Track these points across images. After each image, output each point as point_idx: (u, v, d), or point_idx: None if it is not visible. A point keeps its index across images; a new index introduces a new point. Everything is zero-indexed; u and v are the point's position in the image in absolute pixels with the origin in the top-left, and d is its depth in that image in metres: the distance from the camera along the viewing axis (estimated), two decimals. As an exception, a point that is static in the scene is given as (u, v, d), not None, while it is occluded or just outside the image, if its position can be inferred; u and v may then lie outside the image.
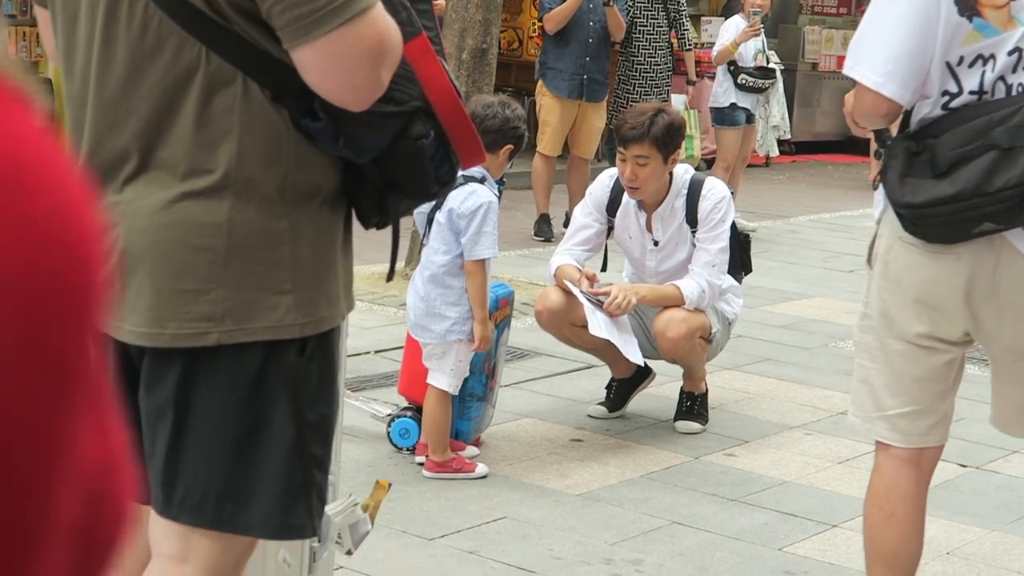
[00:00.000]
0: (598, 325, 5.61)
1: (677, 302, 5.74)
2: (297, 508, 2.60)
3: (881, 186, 3.57)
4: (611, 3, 10.49)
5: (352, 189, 2.62)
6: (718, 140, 11.47)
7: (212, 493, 2.57)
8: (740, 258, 6.15)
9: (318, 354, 2.60)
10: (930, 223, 3.43)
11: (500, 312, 5.50)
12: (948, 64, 3.41)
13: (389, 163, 2.57)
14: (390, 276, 3.06)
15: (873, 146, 14.90)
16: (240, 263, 2.50)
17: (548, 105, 10.63)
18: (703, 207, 5.85)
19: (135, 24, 2.48)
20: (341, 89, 2.44)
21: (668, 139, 5.73)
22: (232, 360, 2.53)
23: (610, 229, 6.06)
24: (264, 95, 2.48)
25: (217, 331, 2.50)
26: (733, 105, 11.15)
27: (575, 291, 5.68)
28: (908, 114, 3.49)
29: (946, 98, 3.44)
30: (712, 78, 12.04)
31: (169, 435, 2.56)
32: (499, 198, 5.32)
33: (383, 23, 2.43)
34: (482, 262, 5.15)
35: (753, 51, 11.14)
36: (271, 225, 2.51)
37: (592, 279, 5.77)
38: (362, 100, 2.46)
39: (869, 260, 3.66)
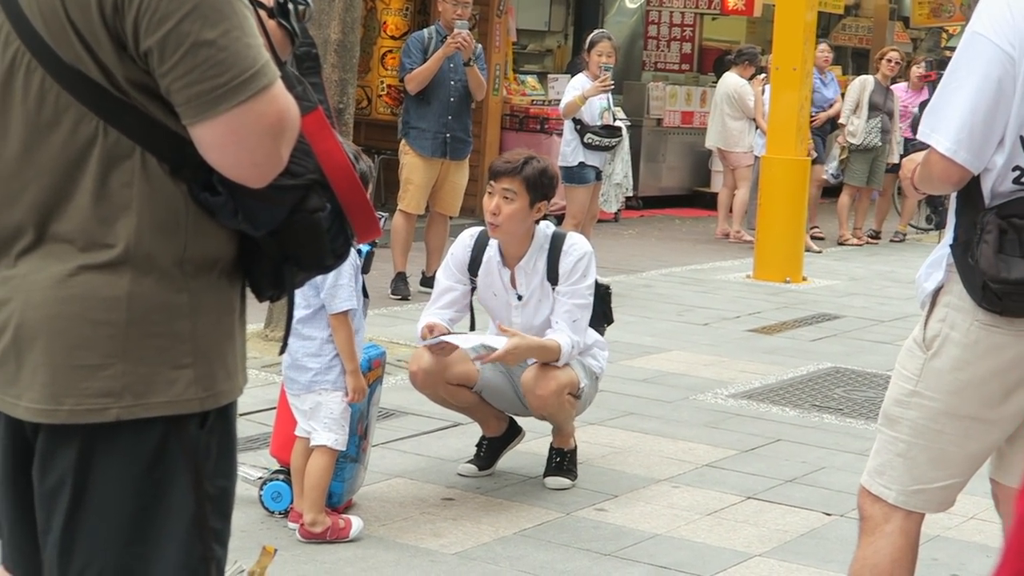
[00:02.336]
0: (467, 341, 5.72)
1: (555, 355, 5.77)
2: None
3: (945, 261, 3.58)
4: (472, 63, 10.58)
5: (247, 261, 2.61)
6: (568, 198, 11.58)
7: (109, 569, 2.53)
8: (601, 310, 6.21)
9: (218, 427, 2.58)
10: (1020, 299, 3.44)
11: (372, 373, 5.49)
12: (1022, 138, 3.46)
13: (285, 236, 2.56)
14: (283, 349, 3.04)
15: (725, 201, 15.03)
16: (139, 337, 2.47)
17: (411, 164, 10.67)
18: (564, 263, 5.91)
19: (31, 97, 2.45)
20: (241, 166, 2.43)
21: (539, 183, 5.79)
22: (131, 436, 2.49)
23: (474, 289, 6.09)
24: (163, 169, 2.46)
25: (116, 407, 2.46)
26: (582, 164, 11.25)
27: (452, 339, 5.72)
28: (973, 186, 3.51)
29: (1016, 172, 3.48)
30: (560, 135, 12.17)
31: (65, 511, 2.52)
32: (368, 255, 5.32)
33: (283, 100, 2.44)
34: (344, 314, 5.17)
35: (599, 110, 11.27)
36: (170, 298, 2.49)
37: (432, 330, 5.77)
38: (263, 176, 2.46)
39: (924, 340, 3.63)
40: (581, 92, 11.02)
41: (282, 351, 3.01)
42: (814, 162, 15.20)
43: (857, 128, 15.20)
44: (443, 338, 5.72)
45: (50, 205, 2.46)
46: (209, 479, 2.56)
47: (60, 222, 2.46)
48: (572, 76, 12.21)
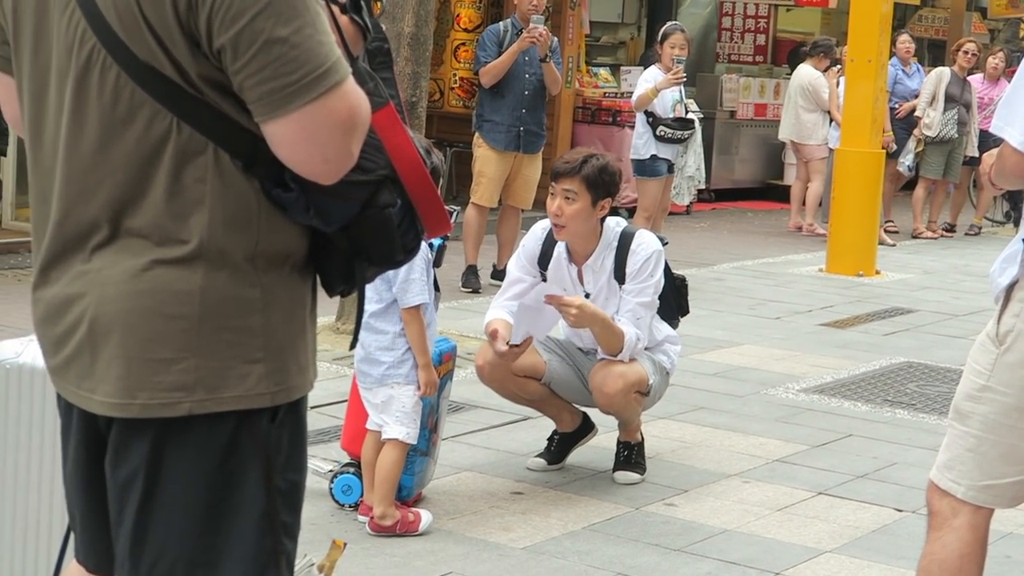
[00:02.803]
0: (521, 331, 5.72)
1: (619, 340, 5.75)
2: (268, 573, 2.59)
3: (1020, 256, 3.55)
4: (548, 59, 10.58)
5: (318, 257, 2.62)
6: (640, 190, 11.56)
7: (182, 561, 2.56)
8: (677, 302, 6.19)
9: (289, 421, 2.60)
10: None
11: (443, 366, 5.51)
12: None
13: (356, 231, 2.57)
14: (353, 344, 3.06)
15: (799, 194, 14.94)
16: (212, 331, 2.49)
17: (484, 156, 10.69)
18: (632, 262, 5.89)
19: (106, 94, 2.47)
20: (313, 162, 2.45)
21: (600, 181, 5.77)
22: (203, 429, 2.52)
23: (544, 282, 6.09)
24: (235, 165, 2.48)
25: (189, 401, 2.48)
26: (654, 156, 11.23)
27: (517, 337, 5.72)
28: None
29: None
30: (632, 128, 12.14)
31: (138, 504, 2.55)
32: (441, 249, 5.34)
33: (354, 96, 2.45)
34: (416, 309, 5.19)
35: (671, 102, 11.23)
36: (243, 293, 2.50)
37: (495, 337, 5.75)
38: (334, 173, 2.47)
39: (998, 335, 3.61)
40: (653, 85, 10.99)
41: (352, 345, 3.02)
42: (893, 155, 15.13)
43: (933, 120, 15.06)
44: (504, 347, 5.69)
45: (124, 201, 2.49)
46: (279, 473, 2.58)
47: (134, 217, 2.49)
48: (645, 68, 12.19)
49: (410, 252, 2.67)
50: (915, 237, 15.55)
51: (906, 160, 15.30)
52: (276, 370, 2.54)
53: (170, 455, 2.52)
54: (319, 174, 2.46)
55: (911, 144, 15.24)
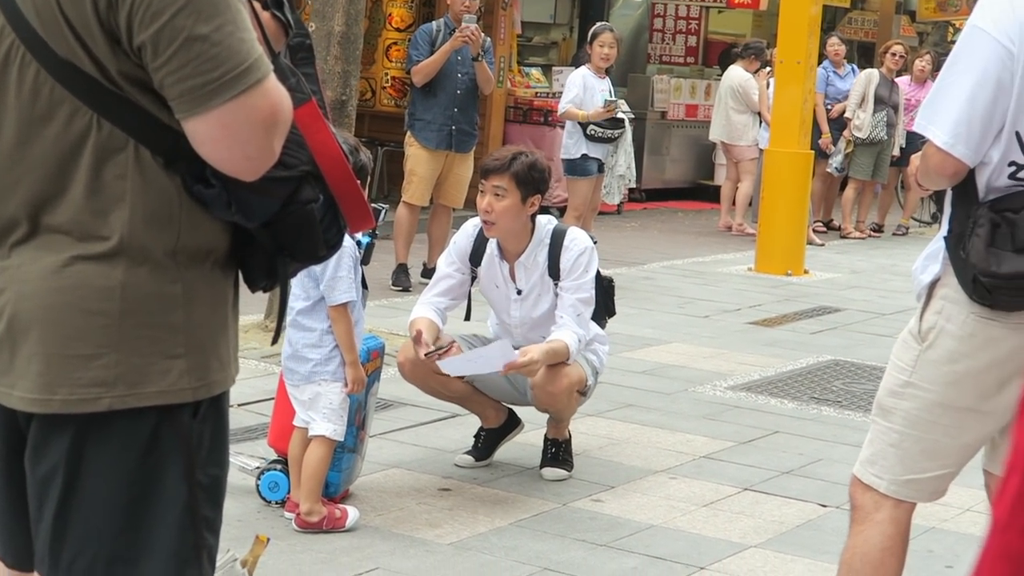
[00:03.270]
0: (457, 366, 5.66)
1: (565, 356, 5.78)
2: (189, 571, 2.59)
3: (942, 254, 3.58)
4: (480, 58, 10.59)
5: (241, 252, 2.62)
6: (570, 190, 11.62)
7: (102, 556, 2.55)
8: (604, 303, 6.23)
9: (210, 416, 2.60)
10: (1009, 294, 3.46)
11: (371, 364, 5.52)
12: (1018, 134, 3.47)
13: (279, 227, 2.57)
14: (276, 337, 3.07)
15: (728, 194, 15.03)
16: (133, 327, 2.48)
17: (416, 155, 10.70)
18: (565, 258, 5.92)
19: (25, 91, 2.46)
20: (234, 160, 2.45)
21: (529, 178, 5.79)
22: (124, 425, 2.51)
23: (475, 279, 6.11)
24: (156, 162, 2.48)
25: (109, 396, 2.48)
26: (584, 156, 11.31)
27: (451, 364, 5.68)
28: (969, 179, 3.52)
29: (1012, 168, 3.49)
30: (562, 128, 12.21)
31: (58, 500, 2.54)
32: (369, 247, 5.35)
33: (276, 93, 2.45)
34: (343, 306, 5.20)
35: (601, 101, 11.32)
36: (164, 289, 2.50)
37: (418, 340, 5.71)
38: (255, 170, 2.47)
39: (920, 332, 3.65)
40: (574, 99, 11.14)
41: (275, 340, 3.03)
42: (828, 155, 15.26)
43: (864, 122, 15.19)
44: (443, 362, 5.67)
45: (44, 197, 2.48)
46: (201, 468, 2.58)
47: (54, 214, 2.48)
48: (576, 69, 12.25)
49: (332, 247, 2.68)
50: (843, 237, 15.68)
51: (835, 161, 15.43)
52: (198, 366, 2.54)
53: (90, 451, 2.51)
54: (241, 171, 2.46)
55: (840, 145, 15.37)
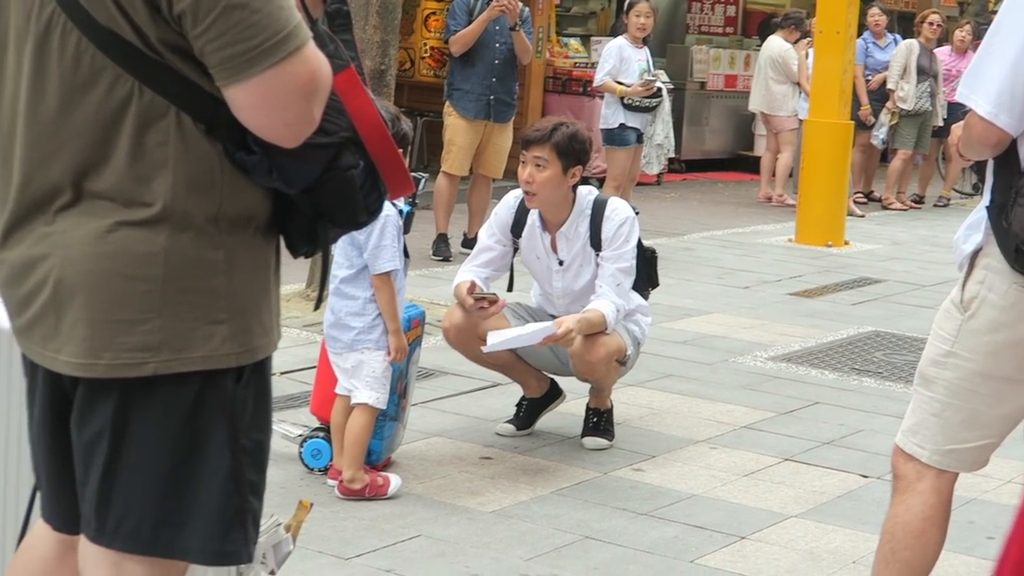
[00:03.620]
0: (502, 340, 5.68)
1: (603, 327, 5.79)
2: (234, 533, 2.61)
3: (984, 224, 3.57)
4: (518, 27, 10.58)
5: (282, 219, 2.64)
6: (609, 160, 11.63)
7: (148, 519, 2.58)
8: (647, 273, 6.23)
9: (254, 381, 2.62)
10: None
11: (412, 332, 5.54)
12: None
13: (319, 193, 2.59)
14: (318, 303, 3.10)
15: (768, 165, 15.00)
16: (176, 293, 2.50)
17: (455, 125, 10.71)
18: (607, 228, 5.92)
19: (67, 58, 2.48)
20: (274, 127, 2.46)
21: (570, 148, 5.79)
22: (168, 390, 2.53)
23: (516, 250, 6.12)
24: (198, 128, 2.49)
25: (154, 361, 2.50)
26: (622, 125, 11.34)
27: (509, 333, 5.70)
28: (1011, 149, 3.50)
29: None
30: (601, 98, 12.21)
31: (104, 462, 2.56)
32: (409, 216, 5.37)
33: (315, 60, 2.46)
34: (387, 275, 5.21)
35: (638, 72, 11.32)
36: (207, 255, 2.52)
37: (471, 289, 5.77)
38: (295, 136, 2.49)
39: (962, 301, 3.64)
40: (610, 71, 11.24)
41: (317, 307, 3.06)
42: (869, 127, 15.17)
43: (907, 93, 15.09)
44: (495, 341, 5.70)
45: (87, 164, 2.49)
46: (245, 433, 2.61)
47: (97, 180, 2.49)
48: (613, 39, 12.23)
49: (373, 213, 2.69)
50: (885, 208, 15.61)
51: (880, 133, 15.34)
52: (240, 331, 2.56)
53: (135, 416, 2.54)
54: (281, 138, 2.48)
55: (884, 117, 15.27)
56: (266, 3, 2.40)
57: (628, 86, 11.28)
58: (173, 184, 2.48)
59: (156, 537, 2.59)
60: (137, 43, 2.43)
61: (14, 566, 2.93)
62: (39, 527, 2.86)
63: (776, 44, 15.29)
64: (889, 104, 15.21)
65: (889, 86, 15.17)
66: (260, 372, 2.65)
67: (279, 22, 2.41)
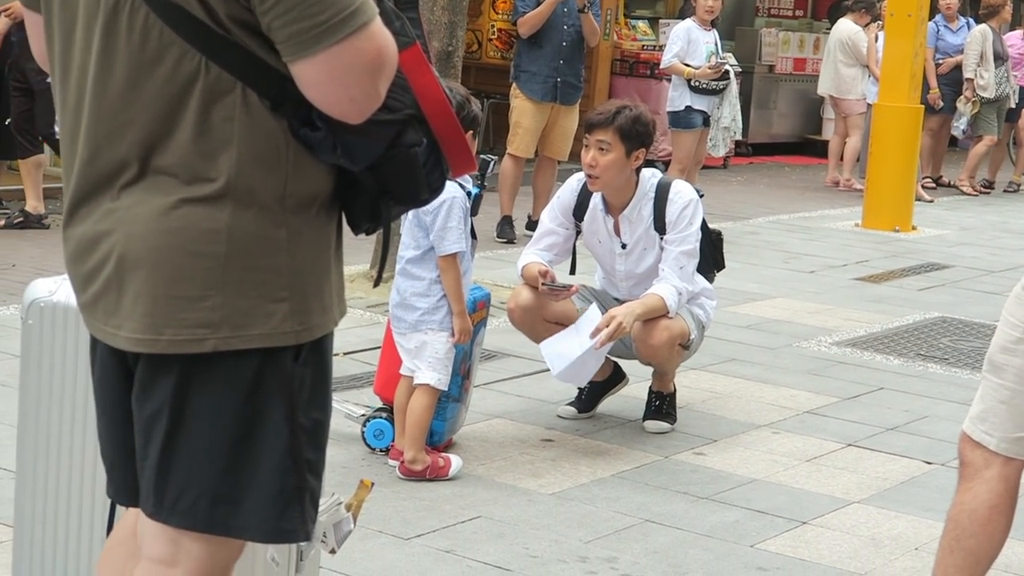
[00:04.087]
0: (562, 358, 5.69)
1: (663, 312, 5.77)
2: (291, 511, 2.63)
3: None
4: (586, 9, 10.57)
5: (344, 195, 2.65)
6: (674, 142, 11.60)
7: (205, 496, 2.60)
8: (713, 256, 6.20)
9: (312, 360, 2.63)
10: None
11: (477, 314, 5.55)
12: None
13: (382, 170, 2.59)
14: (378, 281, 3.11)
15: (836, 149, 14.91)
16: (238, 270, 2.52)
17: (521, 107, 10.71)
18: (670, 211, 5.90)
19: (135, 34, 2.49)
20: (340, 102, 2.47)
21: (633, 132, 5.76)
22: (228, 366, 2.55)
23: (579, 233, 6.11)
24: (263, 105, 2.50)
25: (214, 338, 2.52)
26: (688, 108, 11.31)
27: (579, 345, 5.69)
28: None
29: None
30: (668, 81, 12.17)
31: (163, 438, 2.58)
32: (477, 198, 5.37)
33: (381, 37, 2.47)
34: (452, 256, 5.22)
35: (706, 54, 11.28)
36: (269, 232, 2.53)
37: (545, 275, 5.80)
38: (360, 113, 2.49)
39: None
40: (678, 53, 11.26)
41: (376, 284, 3.07)
42: (938, 111, 15.04)
43: (988, 81, 14.94)
44: (548, 357, 5.71)
45: (153, 139, 2.51)
46: (303, 411, 2.62)
47: (163, 156, 2.51)
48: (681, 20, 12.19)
49: (435, 191, 2.70)
50: (956, 188, 15.47)
51: (960, 124, 15.18)
52: (300, 309, 2.57)
53: (195, 391, 2.56)
54: (347, 114, 2.48)
55: (965, 107, 15.08)
56: None
57: (696, 68, 11.24)
58: (238, 160, 2.49)
59: (213, 514, 2.60)
60: (205, 19, 2.45)
61: (104, 561, 2.96)
62: (131, 512, 2.87)
63: (846, 27, 15.17)
64: (968, 93, 15.04)
65: (967, 75, 14.99)
66: (319, 351, 2.65)
67: None
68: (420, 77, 2.60)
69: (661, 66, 11.97)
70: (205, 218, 2.50)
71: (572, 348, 5.67)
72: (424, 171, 2.63)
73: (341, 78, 2.44)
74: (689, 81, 11.21)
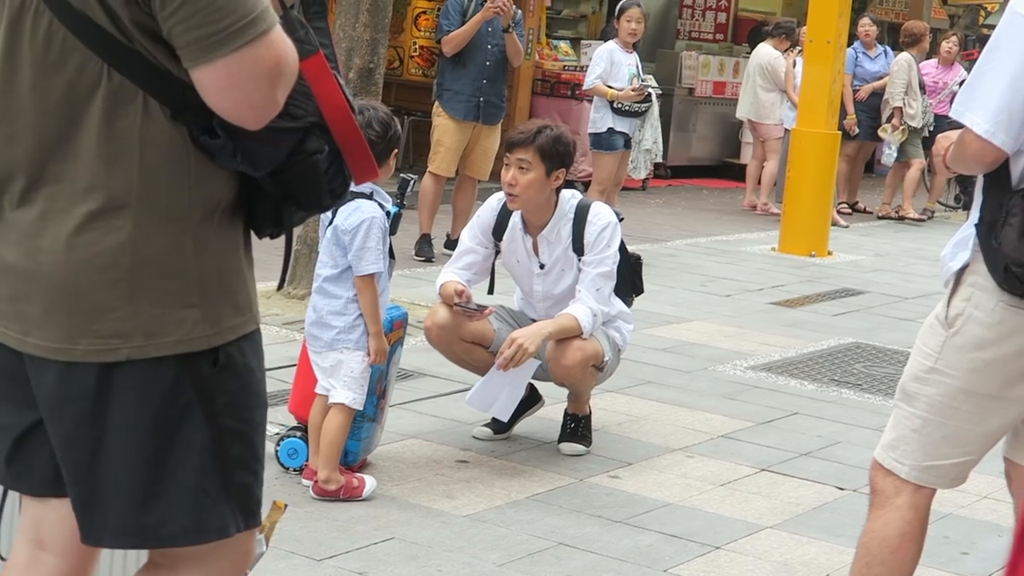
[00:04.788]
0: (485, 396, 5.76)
1: (576, 332, 5.78)
2: (219, 508, 2.64)
3: (972, 241, 3.55)
4: (511, 29, 10.58)
5: (248, 201, 2.67)
6: (595, 164, 11.63)
7: (131, 513, 2.61)
8: (631, 280, 6.21)
9: (233, 363, 2.64)
10: None
11: (394, 334, 5.52)
12: None
13: (284, 176, 2.63)
14: (281, 285, 3.14)
15: (754, 173, 15.07)
16: (146, 280, 2.54)
17: (444, 126, 10.69)
18: (589, 232, 5.91)
19: (39, 39, 2.51)
20: (239, 108, 2.50)
21: (554, 151, 5.77)
22: (145, 375, 2.56)
23: (498, 253, 6.10)
24: (164, 113, 2.52)
25: (127, 347, 2.53)
26: (611, 130, 11.34)
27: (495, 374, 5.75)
28: (1002, 167, 3.47)
29: None
30: (589, 102, 12.21)
31: (86, 459, 2.59)
32: (396, 217, 5.36)
33: (281, 45, 2.50)
34: (370, 277, 5.20)
35: (628, 76, 11.33)
36: (175, 240, 2.55)
37: (461, 294, 5.80)
38: (259, 118, 2.52)
39: (947, 318, 3.62)
40: (601, 75, 11.36)
41: (280, 287, 3.11)
42: (854, 137, 15.20)
43: (916, 110, 15.12)
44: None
45: (54, 146, 2.53)
46: (225, 412, 2.62)
47: (64, 163, 2.52)
48: (604, 42, 12.24)
49: (337, 197, 2.74)
50: (901, 219, 15.62)
51: (892, 151, 15.34)
52: (212, 313, 2.59)
53: (113, 402, 2.56)
54: (246, 119, 2.52)
55: (893, 136, 15.21)
56: None
57: (619, 90, 11.28)
58: (141, 169, 2.52)
59: (142, 529, 2.62)
60: (108, 26, 2.47)
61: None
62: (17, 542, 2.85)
63: (765, 52, 15.30)
64: (895, 121, 15.18)
65: (896, 103, 15.13)
66: (240, 352, 2.65)
67: (246, 6, 2.45)
68: (323, 85, 2.64)
69: (584, 87, 12.01)
70: (110, 230, 2.51)
71: (493, 383, 5.73)
72: (326, 178, 2.67)
73: (240, 84, 2.47)
74: (612, 103, 11.25)
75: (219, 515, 2.64)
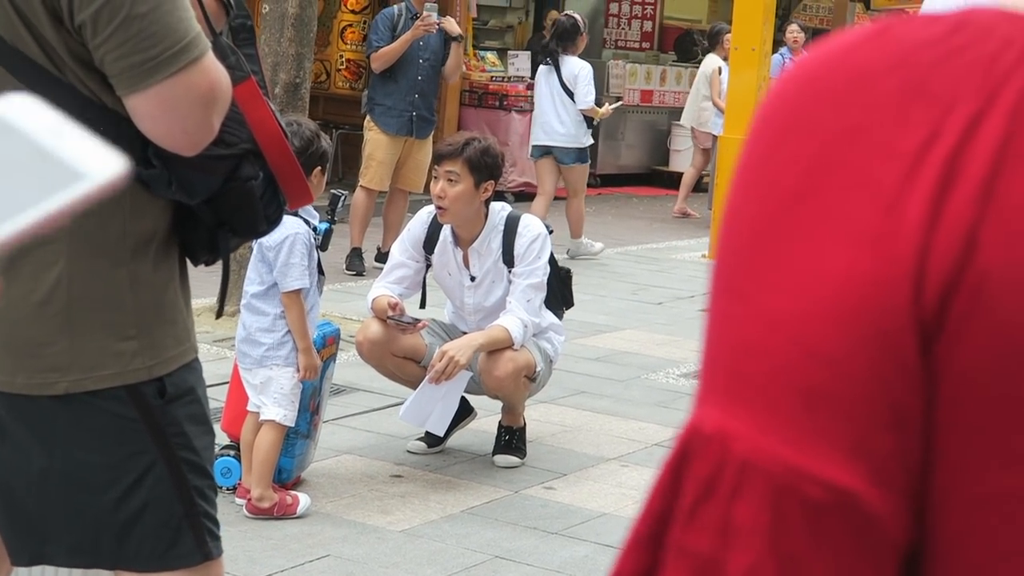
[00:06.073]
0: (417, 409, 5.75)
1: (507, 343, 5.78)
2: (183, 537, 2.63)
3: None
4: (461, 39, 10.62)
5: (183, 228, 2.67)
6: (577, 176, 12.11)
7: (87, 533, 2.61)
8: (561, 292, 6.22)
9: (178, 392, 2.63)
10: None
11: (326, 350, 5.50)
12: None
13: (220, 203, 2.63)
14: (219, 313, 3.12)
15: (690, 181, 15.10)
16: (83, 314, 2.52)
17: (376, 140, 10.66)
18: (519, 244, 5.91)
19: None
20: (173, 135, 2.49)
21: (482, 163, 5.78)
22: (87, 408, 2.55)
23: (429, 266, 6.10)
24: None
25: (65, 381, 2.52)
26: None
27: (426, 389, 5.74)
28: None
29: None
30: (518, 112, 12.26)
31: (36, 487, 2.58)
32: (327, 232, 5.34)
33: (214, 71, 2.50)
34: (296, 293, 5.18)
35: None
36: (111, 274, 2.53)
37: (395, 308, 5.80)
38: (194, 145, 2.51)
39: None
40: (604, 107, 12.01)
41: (218, 315, 3.10)
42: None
43: None
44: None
45: None
46: (178, 441, 2.61)
47: None
48: (532, 53, 12.33)
49: (273, 223, 2.75)
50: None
51: None
52: (151, 344, 2.58)
53: (60, 438, 2.56)
54: (180, 146, 2.50)
55: None
56: (165, 14, 2.43)
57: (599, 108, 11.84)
58: None
59: (97, 553, 2.61)
60: (42, 61, 2.45)
61: None
62: None
63: (710, 61, 15.39)
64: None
65: None
66: (183, 381, 2.65)
67: (178, 33, 2.44)
68: (255, 111, 2.65)
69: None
70: (44, 267, 2.50)
71: (425, 397, 5.72)
72: (262, 204, 2.68)
73: (174, 111, 2.46)
74: (591, 120, 11.65)
75: (184, 543, 2.65)
